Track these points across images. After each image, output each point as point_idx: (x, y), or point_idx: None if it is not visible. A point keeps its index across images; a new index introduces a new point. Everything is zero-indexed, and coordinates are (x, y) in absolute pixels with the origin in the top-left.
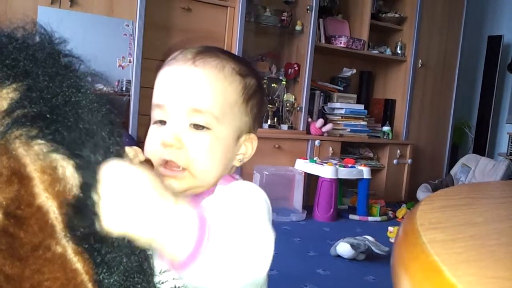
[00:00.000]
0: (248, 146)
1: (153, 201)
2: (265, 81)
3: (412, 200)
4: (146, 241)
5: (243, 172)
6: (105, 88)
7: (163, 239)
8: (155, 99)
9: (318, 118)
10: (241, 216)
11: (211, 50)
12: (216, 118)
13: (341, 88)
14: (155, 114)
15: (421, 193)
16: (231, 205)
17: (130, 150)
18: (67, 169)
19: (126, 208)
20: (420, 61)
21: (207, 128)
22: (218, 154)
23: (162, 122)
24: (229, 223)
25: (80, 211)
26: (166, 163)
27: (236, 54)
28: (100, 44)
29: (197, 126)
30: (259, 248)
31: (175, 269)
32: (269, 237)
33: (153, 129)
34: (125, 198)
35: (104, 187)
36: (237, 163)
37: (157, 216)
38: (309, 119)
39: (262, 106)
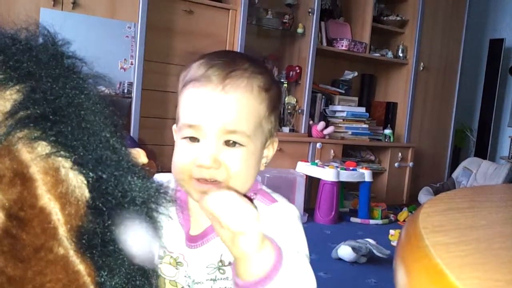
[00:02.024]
0: (270, 149)
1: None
2: None
3: (413, 203)
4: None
5: None
6: (107, 90)
7: (249, 257)
8: (187, 120)
9: (319, 120)
10: (297, 260)
11: (234, 66)
12: (248, 136)
13: (343, 91)
14: (186, 132)
15: (422, 196)
16: (289, 246)
17: (133, 152)
18: (70, 171)
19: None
20: (421, 64)
21: (240, 145)
22: (252, 167)
23: (193, 139)
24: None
25: (89, 211)
26: (202, 179)
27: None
28: (102, 46)
29: (231, 143)
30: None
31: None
32: (310, 274)
33: (183, 145)
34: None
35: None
36: (262, 167)
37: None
38: (311, 122)
39: (280, 108)
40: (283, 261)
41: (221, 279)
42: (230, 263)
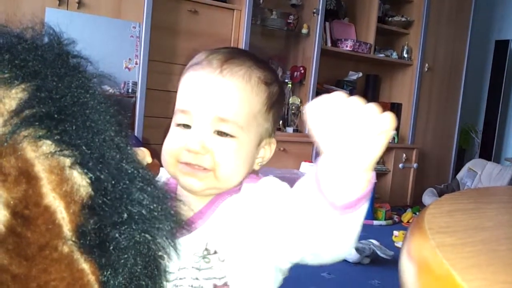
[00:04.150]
0: (267, 150)
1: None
2: None
3: (417, 205)
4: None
5: None
6: (111, 90)
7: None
8: (180, 105)
9: None
10: None
11: (237, 57)
12: (240, 127)
13: (347, 92)
14: (179, 118)
15: (426, 198)
16: None
17: (138, 151)
18: (75, 170)
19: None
20: (426, 65)
21: (231, 136)
22: (241, 160)
23: (186, 126)
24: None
25: (93, 210)
26: (189, 163)
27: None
28: (107, 46)
29: (222, 133)
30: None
31: (339, 208)
32: None
33: (175, 131)
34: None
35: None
36: (256, 167)
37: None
38: None
39: (281, 110)
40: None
41: (205, 268)
42: (215, 252)
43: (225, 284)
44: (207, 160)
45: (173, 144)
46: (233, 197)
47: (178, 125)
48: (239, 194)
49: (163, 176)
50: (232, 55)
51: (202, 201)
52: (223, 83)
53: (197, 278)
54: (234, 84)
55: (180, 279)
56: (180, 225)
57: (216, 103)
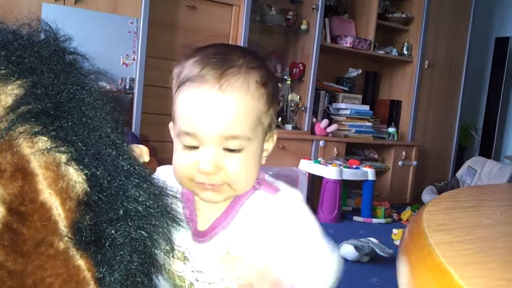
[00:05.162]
0: (270, 142)
1: None
2: None
3: (417, 203)
4: None
5: None
6: (108, 86)
7: None
8: (184, 127)
9: (322, 118)
10: (309, 249)
11: (229, 62)
12: (248, 138)
13: (347, 89)
14: (185, 141)
15: (426, 196)
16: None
17: (136, 149)
18: (70, 166)
19: None
20: (426, 62)
21: (240, 150)
22: (252, 167)
23: (193, 148)
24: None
25: (89, 206)
26: (203, 183)
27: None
28: (104, 42)
29: (231, 150)
30: (327, 269)
31: None
32: (329, 254)
33: (184, 154)
34: None
35: None
36: (263, 161)
37: None
38: (314, 120)
39: (279, 100)
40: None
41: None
42: (238, 256)
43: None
44: (220, 177)
45: (185, 167)
46: (250, 201)
47: (185, 148)
48: (257, 200)
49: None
50: (224, 64)
51: (221, 206)
52: (224, 101)
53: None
54: (235, 98)
55: (210, 283)
56: (176, 222)
57: (221, 122)
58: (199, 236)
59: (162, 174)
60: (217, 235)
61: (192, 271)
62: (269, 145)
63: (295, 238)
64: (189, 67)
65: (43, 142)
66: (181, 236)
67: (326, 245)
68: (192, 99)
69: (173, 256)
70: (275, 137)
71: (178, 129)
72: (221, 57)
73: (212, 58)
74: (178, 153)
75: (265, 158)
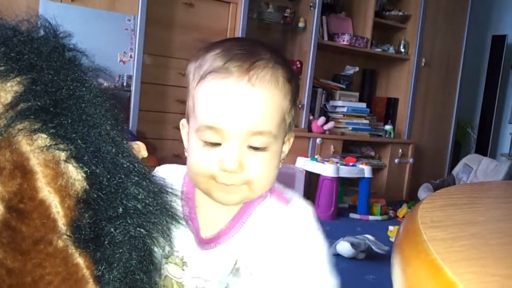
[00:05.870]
0: (287, 145)
1: None
2: None
3: (413, 200)
4: None
5: None
6: (106, 83)
7: None
8: (207, 121)
9: (319, 116)
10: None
11: (260, 59)
12: (274, 136)
13: (344, 86)
14: (207, 136)
15: (422, 193)
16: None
17: (134, 145)
18: (70, 164)
19: None
20: (423, 59)
21: (264, 148)
22: (273, 168)
23: (215, 145)
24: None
25: (88, 204)
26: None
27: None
28: (102, 39)
29: (255, 148)
30: None
31: None
32: (330, 278)
33: (204, 151)
34: None
35: None
36: (280, 165)
37: None
38: (311, 117)
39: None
40: None
41: (235, 282)
42: (245, 266)
43: None
44: (242, 177)
45: (205, 165)
46: (261, 209)
47: (206, 143)
48: (267, 209)
49: (174, 175)
50: (251, 57)
51: (230, 210)
52: (255, 94)
53: None
54: (265, 92)
55: None
56: (175, 220)
57: (249, 117)
58: (204, 242)
59: (162, 173)
60: (224, 243)
61: (192, 277)
62: (286, 147)
63: (301, 257)
64: (211, 60)
65: (42, 139)
66: (182, 241)
67: (329, 267)
68: (217, 92)
69: (171, 261)
70: (291, 140)
71: (197, 124)
72: (247, 50)
73: (237, 51)
74: (197, 150)
75: (282, 161)
